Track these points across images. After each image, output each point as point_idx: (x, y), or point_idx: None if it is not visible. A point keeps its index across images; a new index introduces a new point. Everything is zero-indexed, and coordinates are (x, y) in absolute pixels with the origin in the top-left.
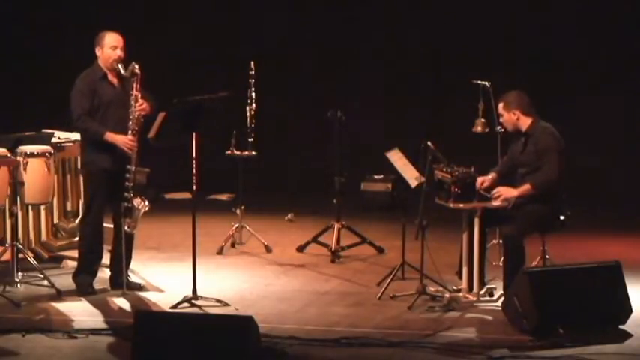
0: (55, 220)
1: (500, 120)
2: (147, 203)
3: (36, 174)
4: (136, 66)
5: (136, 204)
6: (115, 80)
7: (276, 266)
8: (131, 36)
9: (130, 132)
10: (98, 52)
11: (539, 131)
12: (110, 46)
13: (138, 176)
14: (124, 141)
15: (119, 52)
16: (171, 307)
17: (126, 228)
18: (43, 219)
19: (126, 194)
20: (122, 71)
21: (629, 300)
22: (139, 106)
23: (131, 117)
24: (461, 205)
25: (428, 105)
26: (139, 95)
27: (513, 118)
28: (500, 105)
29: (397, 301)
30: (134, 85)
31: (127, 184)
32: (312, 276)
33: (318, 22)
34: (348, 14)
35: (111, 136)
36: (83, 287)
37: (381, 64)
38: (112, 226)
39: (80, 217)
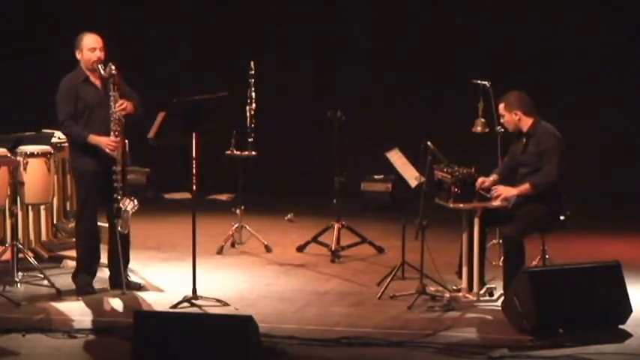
0: (55, 220)
1: (502, 120)
2: (136, 203)
3: (36, 174)
4: (113, 67)
5: (123, 205)
6: (97, 82)
7: (276, 266)
8: (131, 36)
9: (112, 133)
10: (78, 54)
11: (541, 132)
12: (89, 48)
13: (137, 176)
14: (107, 142)
15: (98, 53)
16: (171, 307)
17: (119, 228)
18: (43, 219)
19: (115, 195)
20: (102, 72)
21: (629, 300)
22: (119, 106)
23: (112, 118)
24: (461, 205)
25: (428, 105)
26: (118, 95)
27: (515, 118)
28: (502, 105)
29: (397, 301)
30: (112, 87)
31: (114, 184)
32: (312, 276)
33: (318, 22)
34: (349, 13)
35: (94, 138)
36: (83, 287)
37: (382, 64)
38: (107, 225)
39: (75, 218)
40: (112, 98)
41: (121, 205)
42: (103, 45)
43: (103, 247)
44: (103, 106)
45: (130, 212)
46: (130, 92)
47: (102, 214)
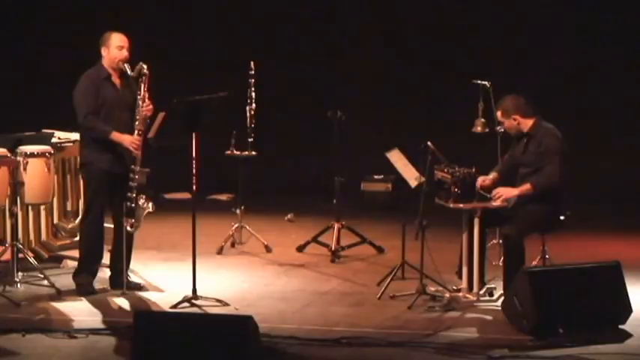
0: (55, 220)
1: (503, 126)
2: (151, 204)
3: (36, 174)
4: (144, 66)
5: (140, 203)
6: (117, 81)
7: (276, 266)
8: (131, 36)
9: (136, 132)
10: (104, 51)
11: (542, 132)
12: (116, 46)
13: (138, 176)
14: (131, 140)
15: (125, 53)
16: (171, 307)
17: (128, 228)
18: (43, 219)
19: (129, 194)
20: (128, 71)
21: (629, 300)
22: (146, 106)
23: (138, 117)
24: (461, 205)
25: (428, 105)
26: (147, 95)
27: (514, 123)
28: (499, 113)
29: (397, 301)
30: (142, 86)
31: (130, 183)
32: (312, 276)
33: (318, 22)
34: (349, 13)
35: (117, 136)
36: (83, 287)
37: (381, 64)
38: (112, 225)
39: (80, 217)
40: (140, 97)
41: (139, 202)
42: (129, 45)
43: (105, 247)
44: (121, 106)
45: (146, 211)
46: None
47: (107, 214)
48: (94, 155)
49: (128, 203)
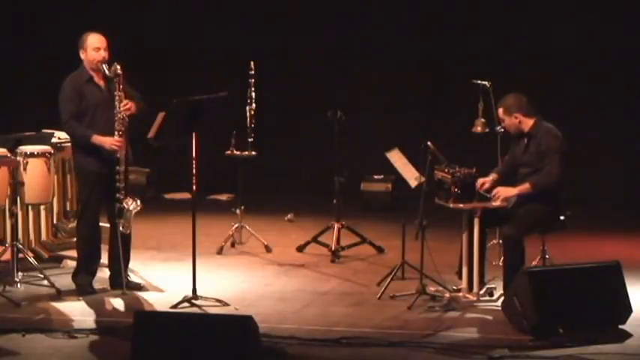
0: (55, 220)
1: (503, 125)
2: (139, 203)
3: (36, 174)
4: (118, 67)
5: (126, 205)
6: (101, 82)
7: (276, 266)
8: (130, 35)
9: (116, 133)
10: (82, 54)
11: (542, 132)
12: (93, 48)
13: (137, 176)
14: (112, 142)
15: (103, 53)
16: (172, 307)
17: (120, 228)
18: (43, 219)
19: (117, 195)
20: (106, 72)
21: (629, 300)
22: (124, 106)
23: (116, 118)
24: (461, 205)
25: (428, 105)
26: (123, 96)
27: (515, 121)
28: (500, 110)
29: (397, 301)
30: (117, 86)
31: (117, 184)
32: (312, 276)
33: (318, 22)
34: (348, 13)
35: (98, 139)
36: (83, 287)
37: (381, 64)
38: (109, 225)
39: (77, 218)
40: (116, 98)
41: (124, 204)
42: (107, 45)
43: (103, 247)
44: (107, 106)
45: (133, 212)
46: (133, 93)
47: (103, 214)
48: (84, 158)
49: (117, 204)
